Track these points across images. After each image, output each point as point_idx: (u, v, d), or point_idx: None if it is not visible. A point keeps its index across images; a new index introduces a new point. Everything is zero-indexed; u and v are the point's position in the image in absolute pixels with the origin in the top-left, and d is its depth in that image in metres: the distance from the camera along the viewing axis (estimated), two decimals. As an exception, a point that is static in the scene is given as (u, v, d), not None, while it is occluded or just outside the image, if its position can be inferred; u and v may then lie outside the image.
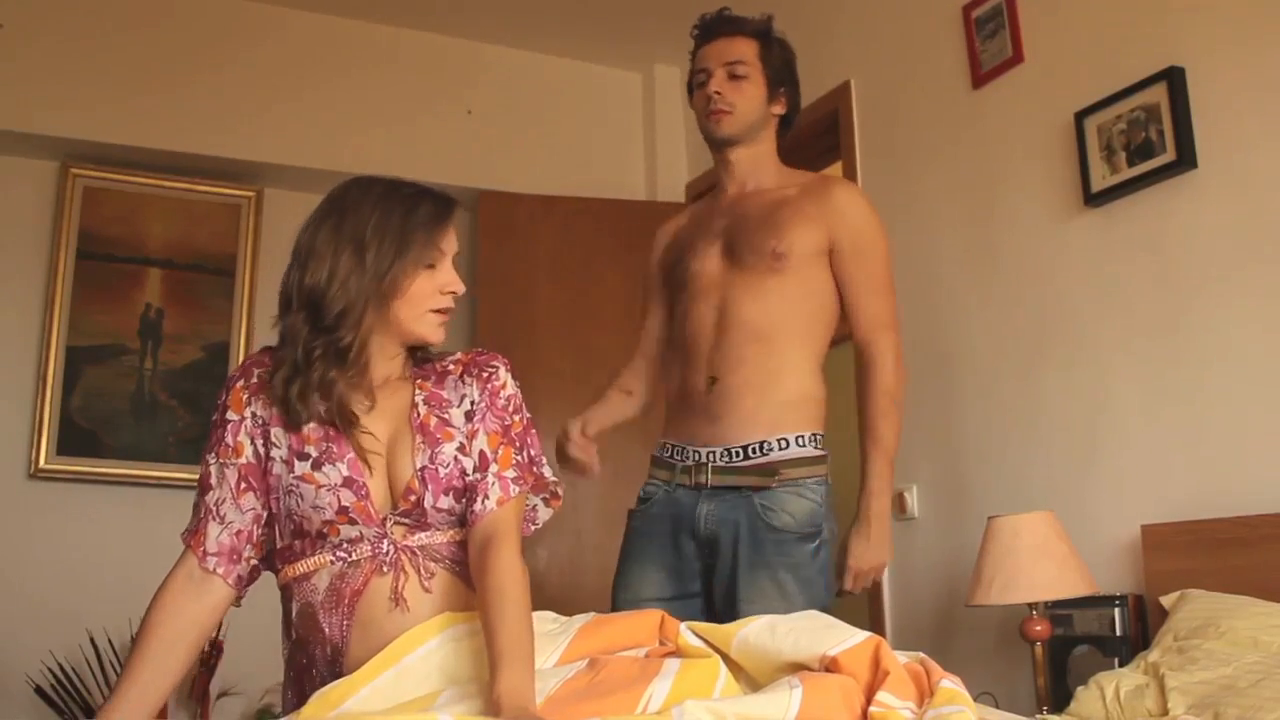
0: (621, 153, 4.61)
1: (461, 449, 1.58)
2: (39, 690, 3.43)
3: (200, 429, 3.93)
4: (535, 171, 4.42)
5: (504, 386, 1.65)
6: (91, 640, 3.49)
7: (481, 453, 1.59)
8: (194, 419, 3.95)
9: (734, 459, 2.18)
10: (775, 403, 2.18)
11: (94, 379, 3.85)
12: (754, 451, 2.17)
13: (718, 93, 2.29)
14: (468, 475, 1.57)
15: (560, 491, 1.72)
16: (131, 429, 3.87)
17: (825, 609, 2.12)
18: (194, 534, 1.59)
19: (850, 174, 3.68)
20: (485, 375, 1.65)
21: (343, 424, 1.55)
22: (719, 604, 2.15)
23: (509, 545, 1.51)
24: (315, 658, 1.54)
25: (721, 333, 2.24)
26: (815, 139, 3.93)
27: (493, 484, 1.57)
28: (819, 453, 2.21)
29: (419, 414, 1.59)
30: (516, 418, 1.65)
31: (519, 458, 1.62)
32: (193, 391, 3.96)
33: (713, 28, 2.36)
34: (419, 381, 1.64)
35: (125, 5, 3.99)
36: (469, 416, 1.62)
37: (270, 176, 4.15)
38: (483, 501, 1.55)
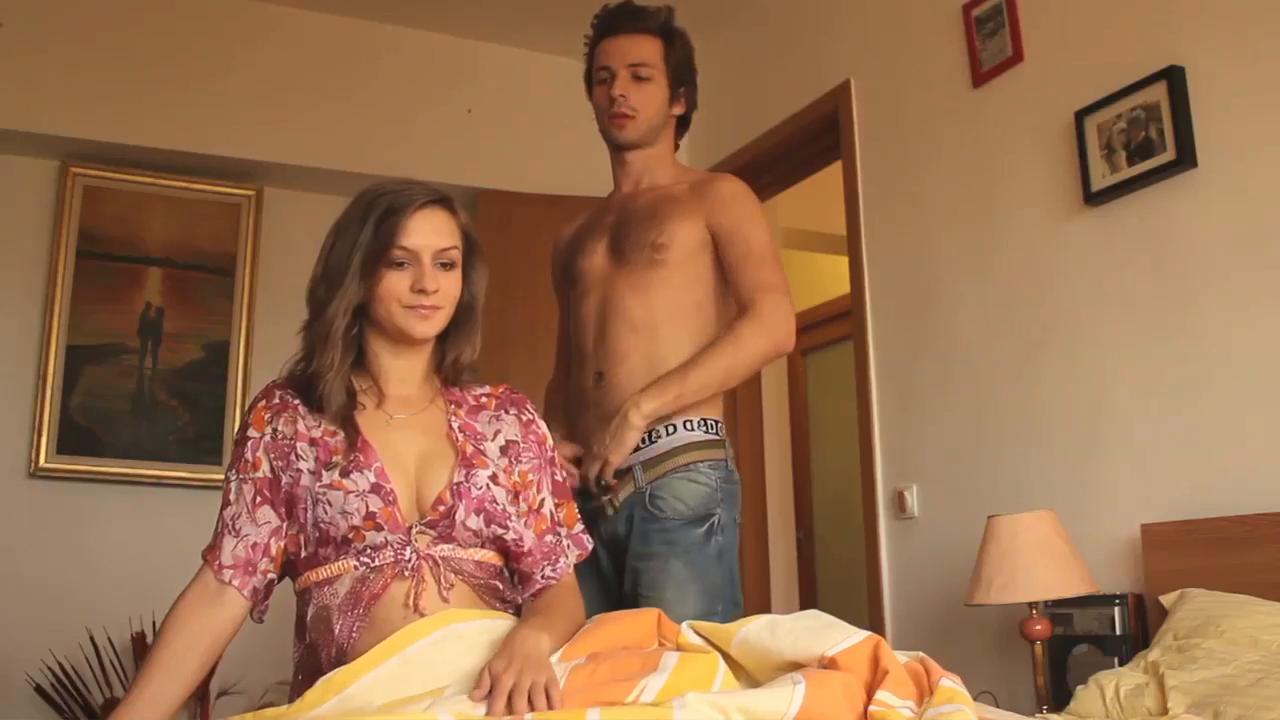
0: (622, 152, 4.61)
1: (494, 478, 1.63)
2: (39, 689, 3.44)
3: (200, 428, 3.94)
4: (535, 171, 4.42)
5: (546, 438, 1.75)
6: (91, 639, 3.49)
7: (551, 514, 1.71)
8: (193, 418, 3.95)
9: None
10: None
11: (94, 378, 3.85)
12: (644, 442, 2.12)
13: (622, 96, 2.27)
14: (499, 504, 1.61)
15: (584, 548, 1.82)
16: (131, 428, 3.87)
17: (734, 599, 2.11)
18: (212, 549, 1.61)
19: (850, 174, 3.68)
20: (525, 419, 1.73)
21: (347, 425, 1.57)
22: (634, 601, 2.11)
23: (578, 594, 1.69)
24: (323, 661, 1.55)
25: (604, 327, 2.22)
26: (815, 139, 3.94)
27: (569, 546, 1.73)
28: (713, 437, 2.17)
29: (458, 438, 1.64)
30: (561, 475, 1.76)
31: (577, 512, 1.77)
32: (192, 391, 3.97)
33: (617, 22, 2.31)
34: (453, 408, 1.68)
35: (125, 5, 3.99)
36: (503, 451, 1.67)
37: (270, 176, 4.15)
38: (564, 561, 1.71)
